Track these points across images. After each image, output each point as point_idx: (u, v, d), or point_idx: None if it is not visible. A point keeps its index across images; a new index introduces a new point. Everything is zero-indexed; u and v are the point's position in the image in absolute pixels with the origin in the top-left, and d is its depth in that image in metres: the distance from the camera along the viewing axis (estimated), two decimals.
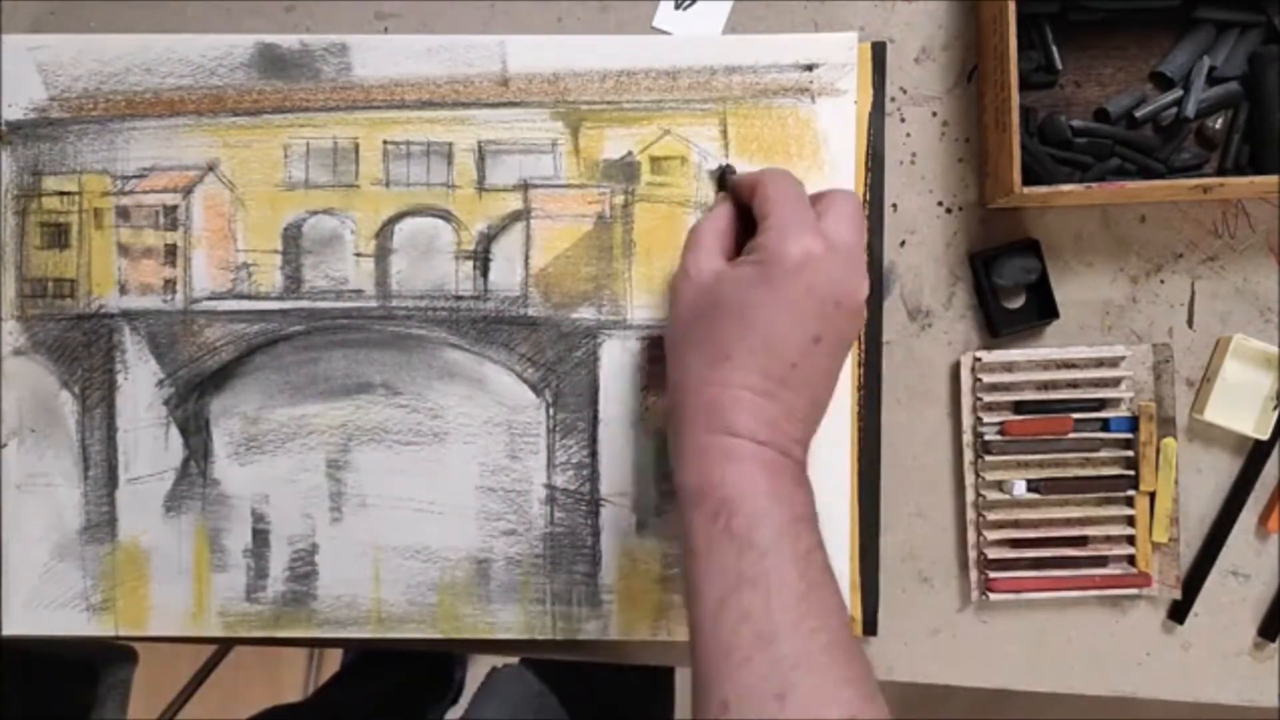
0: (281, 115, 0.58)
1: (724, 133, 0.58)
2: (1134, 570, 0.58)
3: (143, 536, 0.58)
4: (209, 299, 0.58)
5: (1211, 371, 0.58)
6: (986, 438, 0.58)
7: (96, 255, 0.58)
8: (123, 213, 0.58)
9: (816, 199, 0.49)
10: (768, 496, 0.44)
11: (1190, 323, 0.59)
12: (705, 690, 0.42)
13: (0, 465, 0.58)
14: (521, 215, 0.58)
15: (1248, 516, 0.59)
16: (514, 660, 0.69)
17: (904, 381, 0.59)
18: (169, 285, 0.58)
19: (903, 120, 0.59)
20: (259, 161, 0.58)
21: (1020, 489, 0.58)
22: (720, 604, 0.42)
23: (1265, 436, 0.58)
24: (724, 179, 0.56)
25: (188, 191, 0.58)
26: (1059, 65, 0.57)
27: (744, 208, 0.51)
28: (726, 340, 0.45)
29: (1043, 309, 0.58)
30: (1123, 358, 0.58)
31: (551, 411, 0.58)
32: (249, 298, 0.58)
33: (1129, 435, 0.58)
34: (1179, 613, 0.59)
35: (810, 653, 0.41)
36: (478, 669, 1.20)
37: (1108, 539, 0.58)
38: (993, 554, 0.58)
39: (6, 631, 0.58)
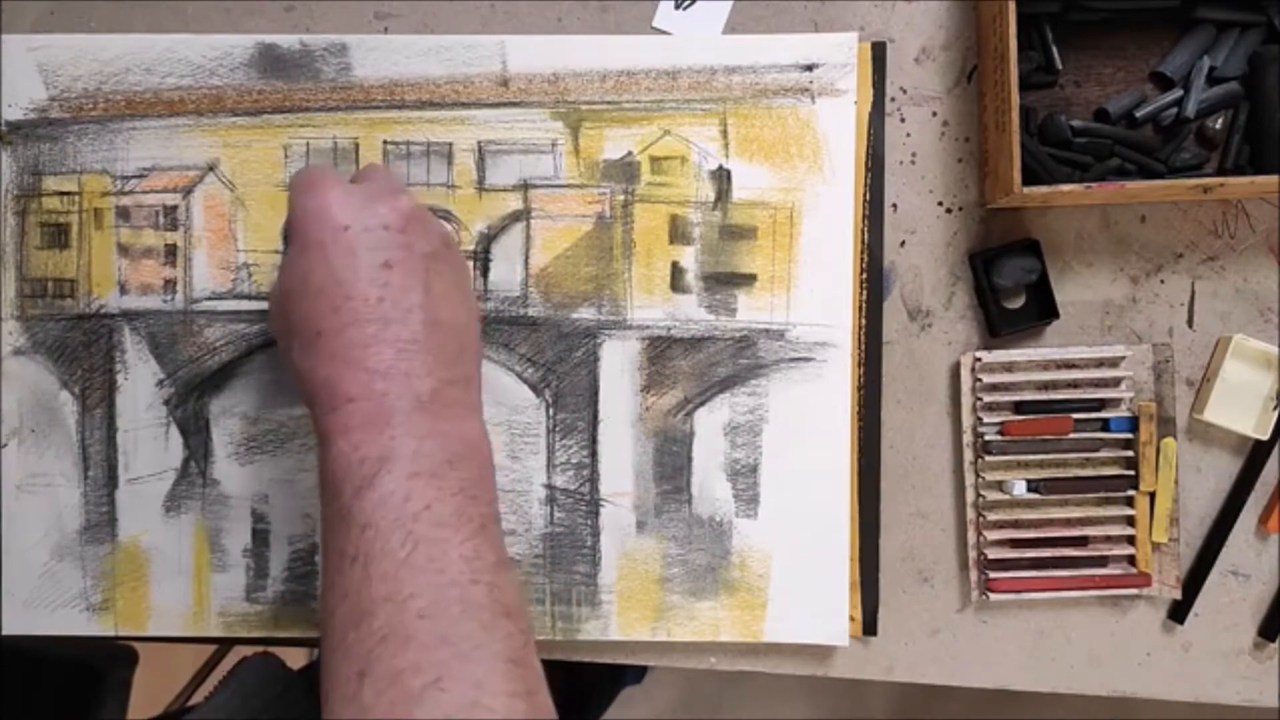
0: (281, 115, 0.58)
1: (724, 133, 0.58)
2: (1134, 570, 0.58)
3: (143, 536, 0.58)
4: (209, 299, 0.58)
5: (1211, 371, 0.58)
6: (986, 438, 0.58)
7: (96, 255, 0.58)
8: (123, 213, 0.58)
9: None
10: (375, 461, 0.41)
11: (1190, 323, 0.59)
12: (324, 672, 0.41)
13: (0, 465, 0.58)
14: (521, 215, 0.58)
15: (1248, 516, 0.59)
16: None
17: (904, 381, 0.59)
18: (169, 285, 0.58)
19: (903, 120, 0.59)
20: (259, 161, 0.58)
21: (1020, 489, 0.58)
22: (329, 588, 0.41)
23: (1265, 436, 0.58)
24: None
25: (188, 192, 0.58)
26: (1059, 65, 0.57)
27: None
28: (307, 321, 0.43)
29: (1043, 309, 0.58)
30: (1123, 358, 0.58)
31: (551, 411, 0.58)
32: (249, 298, 0.58)
33: (1129, 435, 0.58)
34: (1179, 613, 0.59)
35: (402, 621, 0.38)
36: None
37: (1108, 539, 0.58)
38: (993, 554, 0.58)
39: (6, 631, 0.58)
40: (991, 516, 0.58)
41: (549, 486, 0.58)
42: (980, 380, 0.58)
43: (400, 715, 0.37)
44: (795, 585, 0.58)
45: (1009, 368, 0.58)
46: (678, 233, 0.58)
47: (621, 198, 0.58)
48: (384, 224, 0.44)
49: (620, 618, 0.58)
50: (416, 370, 0.43)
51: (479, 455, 0.44)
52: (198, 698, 1.10)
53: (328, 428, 0.43)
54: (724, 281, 0.58)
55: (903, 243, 0.59)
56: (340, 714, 0.38)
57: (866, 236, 0.58)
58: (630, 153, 0.58)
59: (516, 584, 0.43)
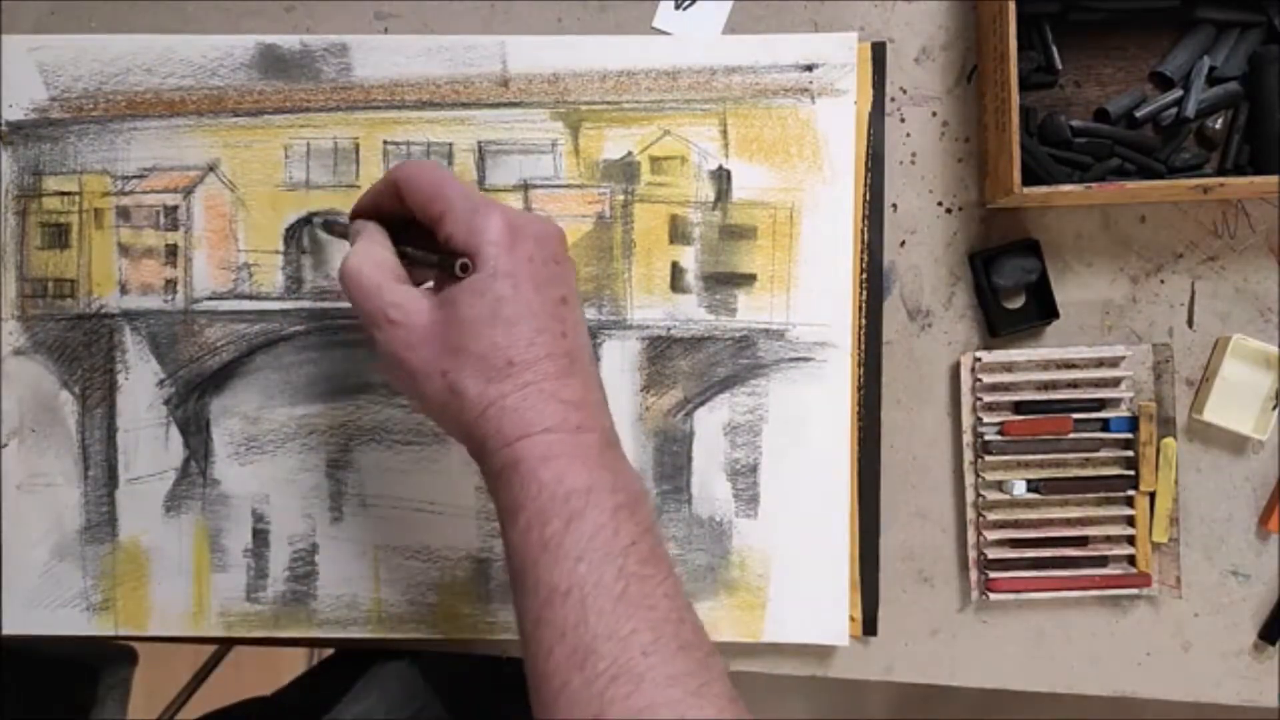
0: (282, 115, 0.58)
1: (724, 133, 0.58)
2: (1134, 570, 0.58)
3: (143, 536, 0.58)
4: (210, 299, 0.58)
5: (1211, 371, 0.58)
6: (986, 438, 0.58)
7: (97, 255, 0.58)
8: (123, 213, 0.58)
9: (383, 194, 0.48)
10: (583, 493, 0.41)
11: (1190, 323, 0.59)
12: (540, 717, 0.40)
13: (0, 465, 0.58)
14: None
15: (1248, 516, 0.59)
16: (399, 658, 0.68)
17: (904, 381, 0.59)
18: (170, 285, 0.58)
19: (903, 120, 0.59)
20: (259, 162, 0.58)
21: (1020, 489, 0.58)
22: (536, 624, 0.40)
23: (1264, 436, 0.58)
24: (330, 226, 0.55)
25: (188, 192, 0.58)
26: (1059, 65, 0.57)
27: (390, 217, 0.49)
28: (498, 350, 0.42)
29: (1043, 309, 0.58)
30: (1123, 358, 0.58)
31: None
32: (250, 298, 0.58)
33: (1129, 435, 0.58)
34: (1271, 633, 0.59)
35: (629, 660, 0.38)
36: None
37: (1108, 539, 0.58)
38: (993, 554, 0.58)
39: (6, 631, 0.58)
40: (991, 516, 0.58)
41: None
42: (980, 380, 0.58)
43: None
44: (795, 585, 0.58)
45: (1009, 368, 0.58)
46: (678, 233, 0.58)
47: (621, 198, 0.58)
48: (555, 257, 0.45)
49: None
50: (600, 406, 0.44)
51: (648, 493, 0.45)
52: (198, 697, 1.10)
53: (521, 456, 0.42)
54: (724, 281, 0.58)
55: (903, 243, 0.59)
56: None
57: (866, 236, 0.58)
58: (630, 153, 0.58)
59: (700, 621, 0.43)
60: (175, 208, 0.58)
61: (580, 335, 0.45)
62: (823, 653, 0.59)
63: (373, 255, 0.46)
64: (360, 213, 0.50)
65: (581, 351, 0.45)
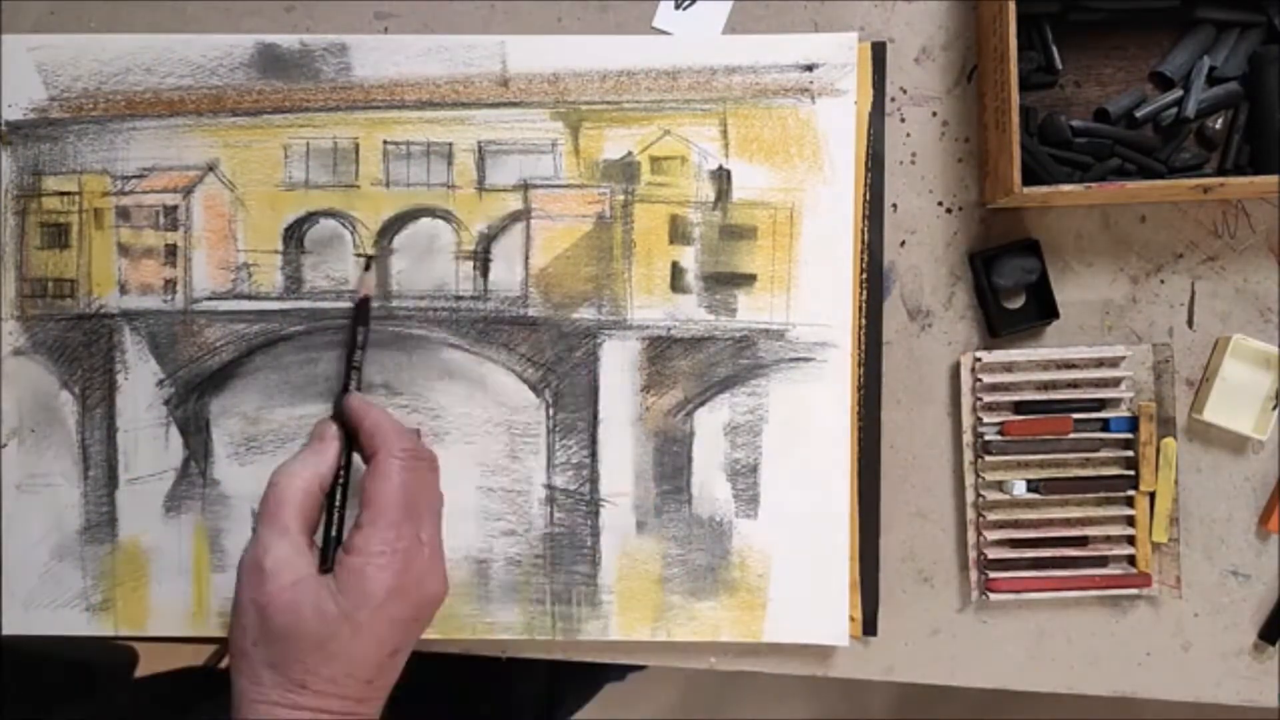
0: (281, 115, 0.58)
1: (724, 133, 0.58)
2: (1134, 570, 0.58)
3: (143, 536, 0.58)
4: (209, 299, 0.58)
5: (1211, 371, 0.58)
6: (986, 438, 0.58)
7: (96, 255, 0.58)
8: (123, 213, 0.58)
9: (368, 437, 0.50)
10: None
11: (1190, 323, 0.59)
12: None
13: (0, 465, 0.58)
14: (521, 215, 0.58)
15: (1248, 516, 0.59)
16: None
17: (904, 381, 0.59)
18: (169, 285, 0.58)
19: (903, 120, 0.59)
20: (259, 161, 0.58)
21: (1020, 489, 0.58)
22: None
23: (1264, 436, 0.58)
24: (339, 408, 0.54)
25: (188, 191, 0.58)
26: (1059, 65, 0.57)
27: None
28: (302, 669, 0.45)
29: (1043, 309, 0.58)
30: (1123, 358, 0.58)
31: (551, 411, 0.58)
32: (249, 298, 0.58)
33: (1129, 435, 0.58)
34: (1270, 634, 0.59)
35: None
36: None
37: (1108, 539, 0.58)
38: (993, 554, 0.58)
39: (6, 631, 0.58)
40: (991, 516, 0.58)
41: (549, 486, 0.58)
42: (980, 380, 0.58)
43: None
44: (795, 585, 0.58)
45: (1009, 368, 0.58)
46: (678, 233, 0.58)
47: (621, 198, 0.58)
48: (419, 618, 0.48)
49: (620, 618, 0.58)
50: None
51: None
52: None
53: None
54: (724, 281, 0.58)
55: (903, 243, 0.59)
56: None
57: (866, 236, 0.58)
58: (630, 153, 0.58)
59: None
60: (175, 207, 0.58)
61: (385, 680, 0.48)
62: (823, 653, 0.59)
63: (306, 483, 0.49)
64: (346, 413, 0.52)
65: (373, 697, 0.47)
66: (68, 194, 0.58)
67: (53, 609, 0.58)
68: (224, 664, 0.83)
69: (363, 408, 0.51)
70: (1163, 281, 0.59)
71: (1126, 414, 0.58)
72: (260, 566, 0.46)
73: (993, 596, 0.58)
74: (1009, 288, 0.58)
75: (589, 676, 0.93)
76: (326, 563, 0.48)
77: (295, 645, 0.45)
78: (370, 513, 0.47)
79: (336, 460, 0.51)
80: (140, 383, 0.58)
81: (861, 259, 0.58)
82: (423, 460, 0.50)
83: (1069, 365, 0.58)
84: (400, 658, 0.48)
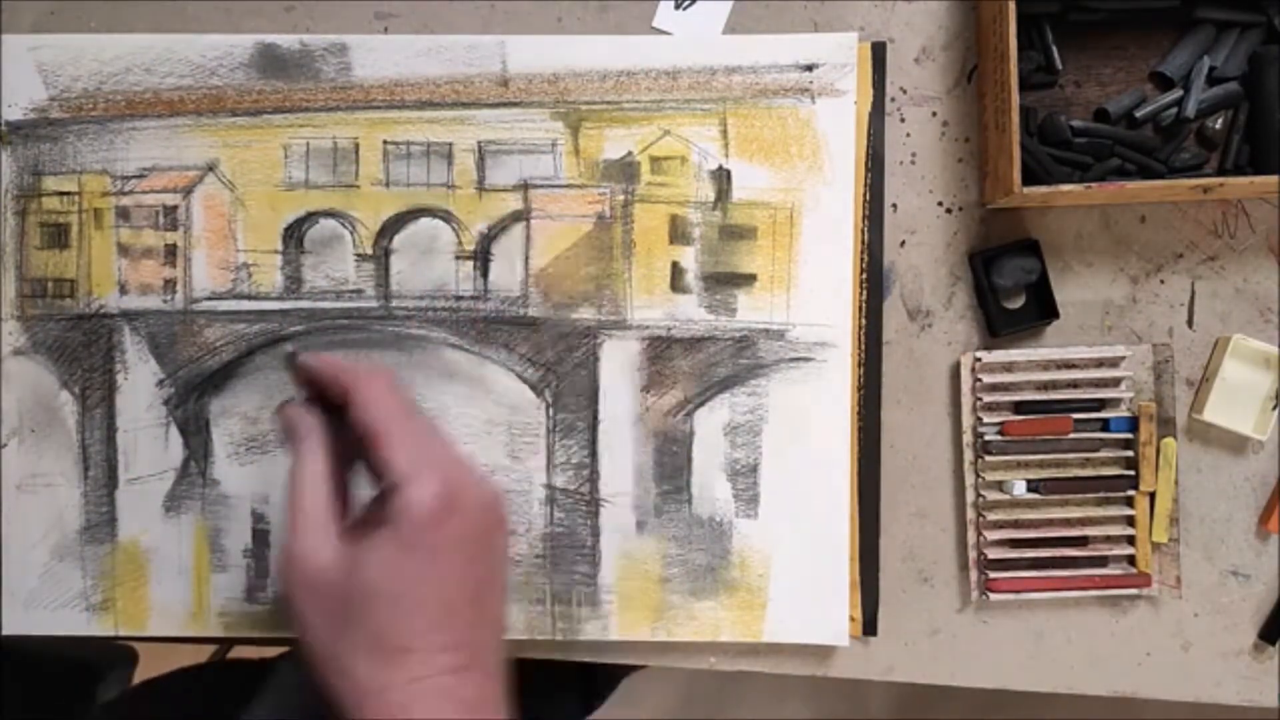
0: (281, 115, 0.58)
1: (724, 133, 0.58)
2: (1134, 570, 0.58)
3: (143, 536, 0.58)
4: (209, 299, 0.58)
5: (1211, 371, 0.58)
6: (986, 438, 0.58)
7: (96, 255, 0.58)
8: (123, 213, 0.58)
9: (338, 385, 0.45)
10: None
11: (1190, 323, 0.59)
12: None
13: (0, 465, 0.58)
14: (521, 215, 0.58)
15: (1248, 516, 0.59)
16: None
17: (904, 381, 0.59)
18: (169, 285, 0.58)
19: (903, 120, 0.59)
20: (259, 161, 0.58)
21: (1020, 489, 0.58)
22: None
23: (1264, 436, 0.58)
24: (291, 364, 0.49)
25: (188, 191, 0.58)
26: (1059, 65, 0.57)
27: (326, 402, 0.46)
28: (395, 631, 0.39)
29: (1043, 309, 0.58)
30: (1123, 358, 0.58)
31: (551, 411, 0.58)
32: (249, 298, 0.58)
33: (1129, 435, 0.58)
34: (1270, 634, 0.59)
35: None
36: None
37: (1108, 539, 0.58)
38: (993, 554, 0.58)
39: (6, 631, 0.58)
40: (991, 516, 0.58)
41: (549, 486, 0.58)
42: (980, 380, 0.58)
43: None
44: (795, 585, 0.58)
45: (1009, 368, 0.58)
46: (678, 233, 0.58)
47: (621, 198, 0.58)
48: (491, 528, 0.42)
49: (620, 618, 0.58)
50: (501, 702, 0.42)
51: None
52: None
53: None
54: (724, 281, 0.58)
55: (903, 243, 0.59)
56: None
57: (866, 236, 0.58)
58: (630, 153, 0.58)
59: None
60: (174, 208, 0.58)
61: (495, 622, 0.42)
62: (823, 653, 0.59)
63: (313, 483, 0.43)
64: (310, 383, 0.47)
65: (488, 643, 0.42)
66: (68, 194, 0.58)
67: (53, 609, 0.58)
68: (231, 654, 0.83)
69: (315, 360, 0.46)
70: (1163, 281, 0.59)
71: (1126, 414, 0.58)
72: (297, 556, 0.41)
73: (993, 596, 0.58)
74: (1009, 288, 0.58)
75: (610, 673, 0.93)
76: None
77: (376, 612, 0.40)
78: (380, 438, 0.42)
79: (323, 441, 0.45)
80: (140, 383, 0.58)
81: (861, 259, 0.58)
82: (390, 376, 0.45)
83: (1069, 365, 0.58)
84: (495, 584, 0.42)
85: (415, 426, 0.43)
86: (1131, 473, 0.58)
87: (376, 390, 0.43)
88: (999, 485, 0.58)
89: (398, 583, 0.40)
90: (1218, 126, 0.58)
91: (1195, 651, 0.59)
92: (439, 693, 0.39)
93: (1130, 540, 0.58)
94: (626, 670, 0.93)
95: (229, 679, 0.75)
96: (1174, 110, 0.57)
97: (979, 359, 0.58)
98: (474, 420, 0.58)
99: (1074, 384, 0.58)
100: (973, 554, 0.59)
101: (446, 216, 0.58)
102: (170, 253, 0.58)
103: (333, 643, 0.40)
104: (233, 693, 0.67)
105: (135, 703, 0.76)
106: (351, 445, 0.45)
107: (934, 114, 0.59)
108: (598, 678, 0.90)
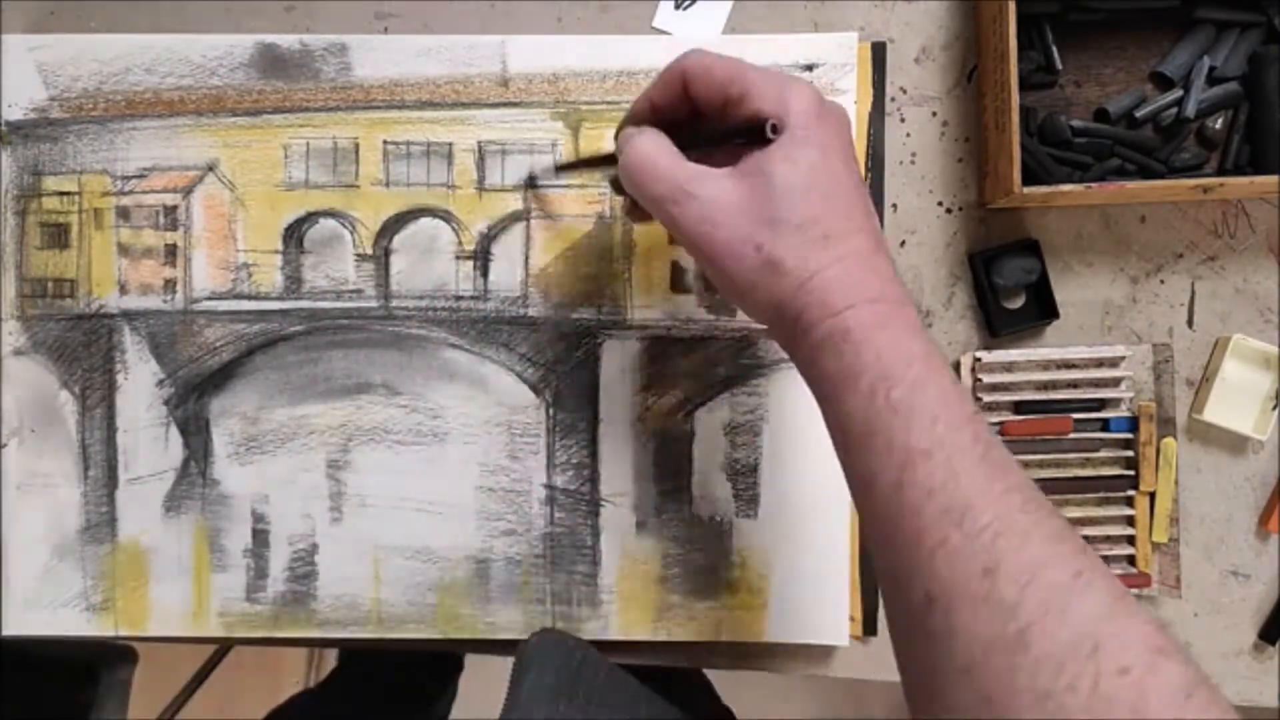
0: (281, 115, 0.58)
1: None
2: (1134, 570, 0.58)
3: (143, 536, 0.58)
4: (209, 299, 0.58)
5: (1211, 371, 0.58)
6: None
7: (96, 255, 0.58)
8: (123, 213, 0.58)
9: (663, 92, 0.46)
10: (922, 360, 0.40)
11: (1190, 323, 0.59)
12: (900, 587, 0.38)
13: (0, 465, 0.58)
14: (521, 215, 0.58)
15: (1248, 516, 0.59)
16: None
17: None
18: (169, 285, 0.58)
19: (903, 120, 0.59)
20: (259, 161, 0.58)
21: None
22: (896, 486, 0.38)
23: (1264, 436, 0.58)
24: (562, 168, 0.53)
25: (188, 191, 0.58)
26: (1059, 65, 0.57)
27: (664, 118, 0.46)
28: (815, 221, 0.41)
29: (1043, 309, 0.58)
30: (1123, 358, 0.58)
31: (551, 411, 0.58)
32: (249, 298, 0.58)
33: (1129, 435, 0.58)
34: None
35: (1009, 515, 0.36)
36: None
37: (1108, 539, 0.58)
38: None
39: (6, 631, 0.58)
40: None
41: (549, 486, 0.58)
42: (980, 380, 0.58)
43: (1059, 605, 0.34)
44: (795, 585, 0.58)
45: (1009, 368, 0.58)
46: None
47: (622, 198, 0.58)
48: (851, 140, 0.44)
49: (620, 617, 0.58)
50: (904, 285, 0.43)
51: None
52: (198, 697, 1.10)
53: (851, 325, 0.40)
54: None
55: (903, 243, 0.59)
56: (975, 613, 0.35)
57: None
58: None
59: None
60: (175, 207, 0.58)
61: (872, 214, 0.44)
62: (823, 653, 0.59)
63: (658, 141, 0.44)
64: (632, 121, 0.48)
65: (880, 231, 0.44)
66: (68, 194, 0.58)
67: (53, 609, 0.58)
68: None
69: (713, 61, 0.45)
70: (1163, 281, 0.59)
71: (1126, 414, 0.58)
72: (695, 196, 0.42)
73: None
74: (1009, 288, 0.58)
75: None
76: None
77: (791, 206, 0.41)
78: (745, 89, 0.43)
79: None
80: (140, 383, 0.58)
81: None
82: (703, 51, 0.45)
83: (1069, 365, 0.58)
84: (866, 189, 0.44)
85: (761, 68, 0.43)
86: (1131, 473, 0.58)
87: (714, 56, 0.44)
88: None
89: (806, 177, 0.41)
90: (1218, 126, 0.58)
91: (1195, 651, 0.59)
92: (864, 268, 0.41)
93: (1130, 540, 0.58)
94: None
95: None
96: (1174, 110, 0.57)
97: (979, 359, 0.58)
98: (474, 420, 0.58)
99: (1074, 384, 0.58)
100: None
101: (446, 216, 0.58)
102: (170, 253, 0.58)
103: (760, 254, 0.41)
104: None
105: None
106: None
107: (934, 114, 0.59)
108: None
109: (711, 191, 0.42)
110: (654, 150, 0.44)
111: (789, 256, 0.41)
